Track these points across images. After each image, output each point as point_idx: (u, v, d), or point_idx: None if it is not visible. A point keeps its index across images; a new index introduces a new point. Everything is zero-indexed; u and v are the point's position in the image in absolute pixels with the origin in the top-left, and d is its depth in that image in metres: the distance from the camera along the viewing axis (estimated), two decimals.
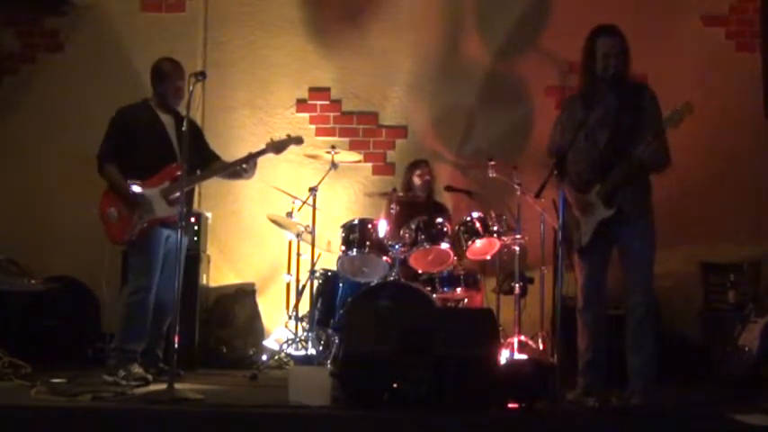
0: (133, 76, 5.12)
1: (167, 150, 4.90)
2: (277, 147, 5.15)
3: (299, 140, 5.29)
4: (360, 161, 6.16)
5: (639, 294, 4.20)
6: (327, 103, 6.59)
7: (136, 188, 4.77)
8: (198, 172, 5.11)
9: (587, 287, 4.34)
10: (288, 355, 5.57)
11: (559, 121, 4.45)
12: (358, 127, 6.57)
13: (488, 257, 5.57)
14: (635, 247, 4.23)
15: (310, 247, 5.54)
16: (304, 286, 5.67)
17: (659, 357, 4.22)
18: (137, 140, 4.88)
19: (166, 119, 5.00)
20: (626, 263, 4.28)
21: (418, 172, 6.00)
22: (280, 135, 5.21)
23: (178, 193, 4.48)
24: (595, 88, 4.27)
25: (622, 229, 4.22)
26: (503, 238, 5.44)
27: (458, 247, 5.47)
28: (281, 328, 5.83)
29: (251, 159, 5.07)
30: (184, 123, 4.37)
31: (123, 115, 4.96)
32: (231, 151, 5.99)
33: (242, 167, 5.05)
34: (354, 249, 5.28)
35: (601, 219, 4.21)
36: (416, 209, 5.72)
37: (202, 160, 5.13)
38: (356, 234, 5.32)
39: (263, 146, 5.17)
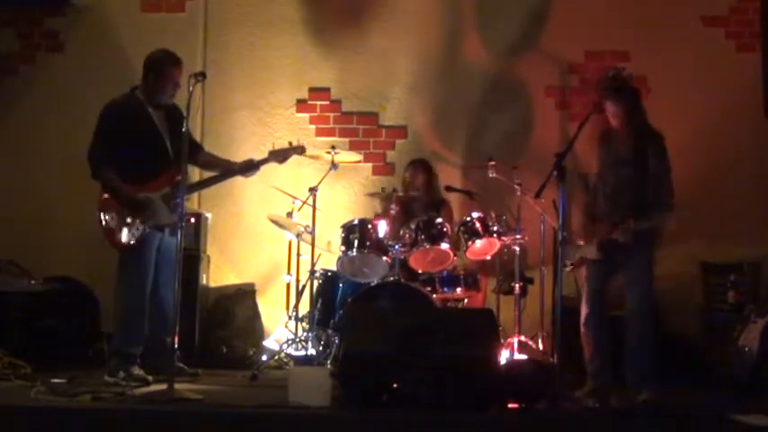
0: (133, 76, 5.10)
1: (159, 148, 4.82)
2: (279, 156, 5.15)
3: (301, 150, 5.28)
4: (360, 161, 6.15)
5: (636, 312, 4.36)
6: (327, 103, 6.58)
7: (140, 193, 4.70)
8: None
9: (591, 301, 4.47)
10: (288, 355, 5.56)
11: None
12: (358, 127, 6.56)
13: (488, 257, 5.57)
14: (631, 273, 4.40)
15: (310, 247, 5.54)
16: (304, 286, 5.67)
17: (659, 360, 4.31)
18: (127, 139, 4.74)
19: (156, 114, 4.86)
20: (625, 283, 4.44)
21: (408, 174, 6.00)
22: (281, 143, 5.16)
23: (179, 199, 4.38)
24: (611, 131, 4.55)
25: (621, 253, 4.36)
26: (503, 238, 5.43)
27: (457, 247, 5.47)
28: (281, 328, 5.82)
29: (252, 169, 5.07)
30: (184, 124, 4.32)
31: (112, 112, 4.82)
32: (231, 152, 5.99)
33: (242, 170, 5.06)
34: (354, 249, 5.27)
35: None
36: (415, 208, 5.72)
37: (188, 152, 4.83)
38: (356, 234, 5.31)
39: (265, 154, 5.16)
